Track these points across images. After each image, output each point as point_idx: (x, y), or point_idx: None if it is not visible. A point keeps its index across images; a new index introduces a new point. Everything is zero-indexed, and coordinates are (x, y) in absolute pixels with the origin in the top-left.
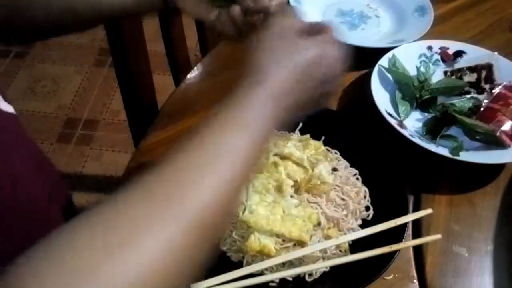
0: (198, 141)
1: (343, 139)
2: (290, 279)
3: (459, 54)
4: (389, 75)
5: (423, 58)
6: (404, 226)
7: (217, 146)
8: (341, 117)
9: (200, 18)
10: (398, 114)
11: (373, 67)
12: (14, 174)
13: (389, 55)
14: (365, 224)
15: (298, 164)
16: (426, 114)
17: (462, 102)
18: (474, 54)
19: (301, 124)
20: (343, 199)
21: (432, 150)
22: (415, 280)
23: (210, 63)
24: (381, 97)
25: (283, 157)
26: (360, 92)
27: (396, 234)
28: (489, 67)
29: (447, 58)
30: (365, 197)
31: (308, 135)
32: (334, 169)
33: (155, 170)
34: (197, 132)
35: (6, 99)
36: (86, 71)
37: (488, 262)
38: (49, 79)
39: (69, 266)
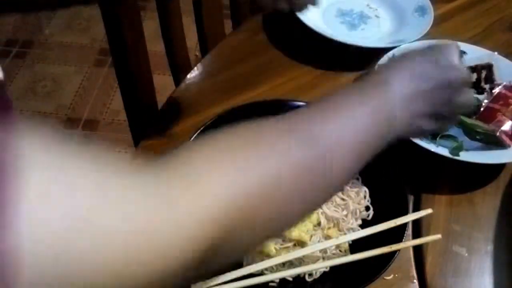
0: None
1: None
2: (290, 279)
3: None
4: None
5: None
6: (404, 226)
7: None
8: None
9: None
10: None
11: (373, 67)
12: None
13: (389, 55)
14: (365, 224)
15: None
16: None
17: None
18: (474, 54)
19: None
20: (343, 199)
21: (432, 150)
22: (415, 280)
23: (210, 63)
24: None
25: None
26: None
27: (396, 234)
28: (489, 67)
29: None
30: (365, 197)
31: None
32: None
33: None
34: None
35: None
36: (86, 71)
37: (488, 262)
38: (49, 79)
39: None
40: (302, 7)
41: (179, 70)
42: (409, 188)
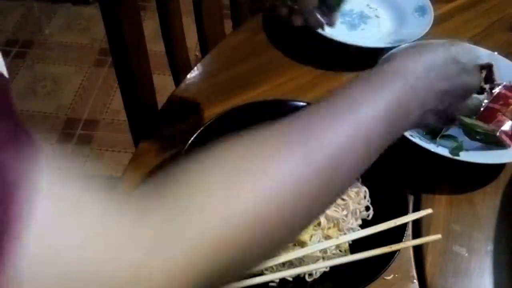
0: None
1: None
2: (290, 279)
3: None
4: None
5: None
6: (404, 226)
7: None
8: None
9: None
10: None
11: (373, 67)
12: None
13: (389, 55)
14: (365, 224)
15: None
16: None
17: None
18: None
19: None
20: (343, 199)
21: (432, 150)
22: (415, 280)
23: (210, 63)
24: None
25: None
26: None
27: (396, 234)
28: (489, 67)
29: None
30: (365, 197)
31: None
32: None
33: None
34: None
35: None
36: (86, 71)
37: (488, 262)
38: (49, 79)
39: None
40: (317, 26)
41: (179, 70)
42: (409, 188)
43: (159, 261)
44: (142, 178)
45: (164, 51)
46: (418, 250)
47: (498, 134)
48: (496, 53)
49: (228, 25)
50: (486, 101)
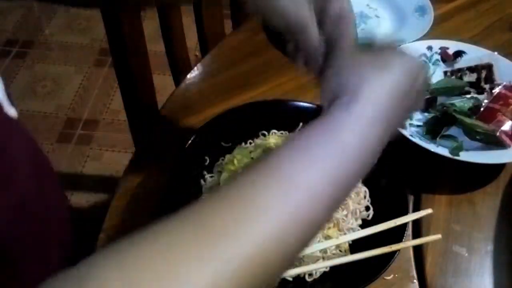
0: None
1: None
2: (290, 279)
3: (459, 54)
4: None
5: (423, 58)
6: (404, 226)
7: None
8: None
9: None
10: None
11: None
12: (19, 201)
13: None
14: (365, 224)
15: None
16: (426, 114)
17: (462, 102)
18: (474, 54)
19: (301, 124)
20: None
21: (432, 150)
22: (415, 280)
23: (210, 63)
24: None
25: None
26: None
27: (396, 234)
28: (489, 67)
29: (447, 58)
30: (365, 197)
31: None
32: None
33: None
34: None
35: (11, 102)
36: (86, 71)
37: (488, 262)
38: (49, 79)
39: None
40: (316, 71)
41: (179, 70)
42: (409, 188)
43: None
44: (142, 178)
45: (164, 51)
46: (418, 250)
47: (498, 134)
48: (496, 53)
49: (228, 25)
50: (486, 101)
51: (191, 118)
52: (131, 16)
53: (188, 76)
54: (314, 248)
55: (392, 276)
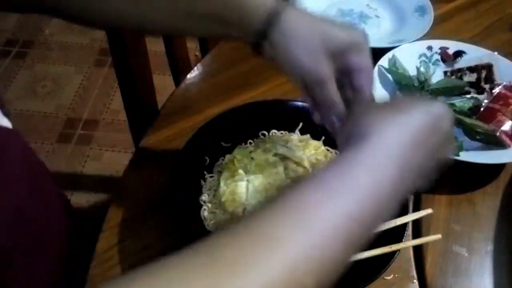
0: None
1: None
2: None
3: (459, 54)
4: (389, 75)
5: (423, 58)
6: (404, 226)
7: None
8: None
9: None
10: None
11: (373, 67)
12: (16, 204)
13: (389, 55)
14: None
15: (298, 164)
16: None
17: (462, 102)
18: (474, 54)
19: (301, 124)
20: None
21: None
22: (415, 280)
23: (210, 63)
24: (381, 98)
25: (283, 157)
26: None
27: (396, 234)
28: (489, 67)
29: (447, 58)
30: None
31: (308, 135)
32: None
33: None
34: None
35: (4, 113)
36: (86, 71)
37: (488, 262)
38: (49, 79)
39: None
40: (331, 130)
41: (179, 70)
42: None
43: None
44: (142, 178)
45: (164, 51)
46: (418, 250)
47: (498, 134)
48: (496, 53)
49: None
50: (486, 101)
51: (191, 118)
52: None
53: (188, 76)
54: None
55: (392, 276)
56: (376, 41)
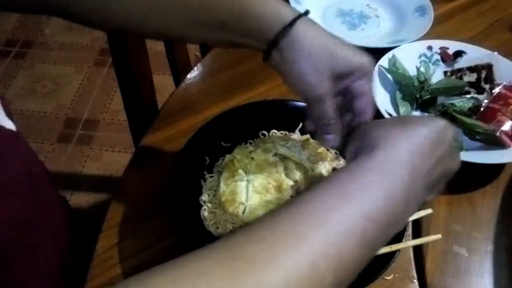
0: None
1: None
2: None
3: (459, 54)
4: (389, 76)
5: (423, 58)
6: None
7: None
8: None
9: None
10: (398, 114)
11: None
12: (19, 205)
13: (389, 55)
14: None
15: (298, 164)
16: (426, 114)
17: (462, 102)
18: (474, 54)
19: (301, 124)
20: None
21: None
22: (415, 280)
23: (210, 63)
24: (381, 98)
25: (283, 157)
26: None
27: (396, 234)
28: (489, 67)
29: (447, 58)
30: None
31: (308, 135)
32: (334, 169)
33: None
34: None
35: (7, 114)
36: (86, 71)
37: (488, 262)
38: (49, 79)
39: None
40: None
41: (179, 70)
42: None
43: None
44: (142, 178)
45: (164, 51)
46: (418, 250)
47: (498, 134)
48: (496, 53)
49: None
50: (486, 101)
51: (191, 118)
52: None
53: (188, 76)
54: None
55: (392, 276)
56: (376, 41)
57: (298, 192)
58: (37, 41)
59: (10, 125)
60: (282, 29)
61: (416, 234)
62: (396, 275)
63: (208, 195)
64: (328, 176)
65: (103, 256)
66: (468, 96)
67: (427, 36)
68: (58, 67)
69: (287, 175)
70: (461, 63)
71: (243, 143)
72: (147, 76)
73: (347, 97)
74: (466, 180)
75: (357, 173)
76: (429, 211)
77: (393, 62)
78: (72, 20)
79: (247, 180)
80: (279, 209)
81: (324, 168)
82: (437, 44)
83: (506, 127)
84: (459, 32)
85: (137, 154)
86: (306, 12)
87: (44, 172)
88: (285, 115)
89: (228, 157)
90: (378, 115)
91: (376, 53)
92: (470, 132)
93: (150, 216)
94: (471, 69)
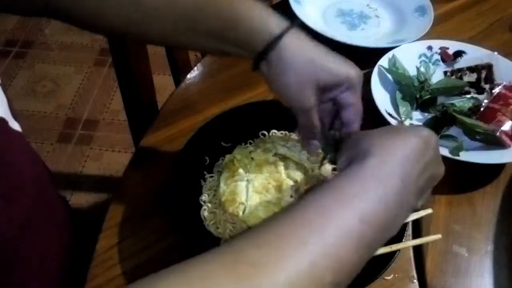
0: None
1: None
2: None
3: (459, 54)
4: (389, 76)
5: (423, 58)
6: (404, 226)
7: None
8: None
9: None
10: (398, 114)
11: (373, 67)
12: (27, 205)
13: (389, 55)
14: None
15: (298, 164)
16: (426, 114)
17: (462, 102)
18: (474, 54)
19: None
20: None
21: None
22: (415, 280)
23: (210, 63)
24: (381, 98)
25: (283, 157)
26: None
27: (396, 234)
28: (489, 67)
29: (447, 58)
30: None
31: None
32: (334, 169)
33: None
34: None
35: (14, 115)
36: (86, 71)
37: (488, 262)
38: (49, 79)
39: None
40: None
41: (179, 70)
42: None
43: None
44: (142, 178)
45: (164, 51)
46: (418, 250)
47: (498, 134)
48: (496, 53)
49: None
50: (486, 101)
51: (191, 118)
52: None
53: (188, 76)
54: None
55: (392, 276)
56: (376, 41)
57: (298, 192)
58: (37, 41)
59: (16, 126)
60: (270, 42)
61: (416, 234)
62: (396, 275)
63: (208, 195)
64: (325, 182)
65: (103, 256)
66: (468, 96)
67: (427, 36)
68: (58, 67)
69: (287, 175)
70: (461, 63)
71: (243, 143)
72: (147, 76)
73: (336, 106)
74: (466, 180)
75: (353, 179)
76: (429, 211)
77: (393, 62)
78: (70, 23)
79: (247, 180)
80: (280, 214)
81: (324, 168)
82: (437, 44)
83: (506, 127)
84: (459, 32)
85: (137, 154)
86: (296, 23)
87: (46, 172)
88: (285, 115)
89: (228, 157)
90: (377, 115)
91: (376, 53)
92: (470, 132)
93: (150, 216)
94: (471, 69)
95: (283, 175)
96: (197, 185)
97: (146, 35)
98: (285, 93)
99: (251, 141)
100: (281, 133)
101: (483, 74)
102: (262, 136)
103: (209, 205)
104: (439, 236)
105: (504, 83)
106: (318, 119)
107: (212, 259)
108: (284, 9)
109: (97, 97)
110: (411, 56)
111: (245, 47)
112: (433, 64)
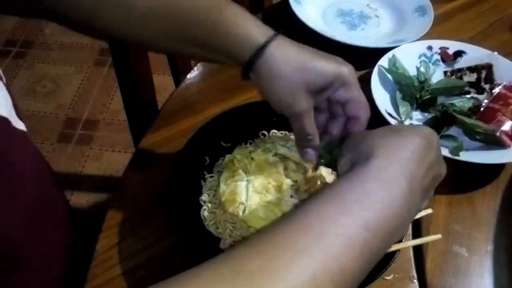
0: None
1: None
2: None
3: (459, 54)
4: (389, 75)
5: (423, 58)
6: None
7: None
8: None
9: (284, 110)
10: (398, 114)
11: (373, 67)
12: (29, 205)
13: (389, 55)
14: None
15: (298, 164)
16: (426, 114)
17: (462, 102)
18: (474, 54)
19: None
20: None
21: None
22: (415, 280)
23: (210, 63)
24: (381, 98)
25: (283, 157)
26: None
27: None
28: (489, 67)
29: (447, 58)
30: None
31: None
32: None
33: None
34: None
35: (18, 115)
36: (86, 71)
37: (488, 262)
38: (49, 79)
39: None
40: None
41: (179, 70)
42: None
43: None
44: (142, 178)
45: None
46: (418, 250)
47: (498, 134)
48: (496, 53)
49: None
50: (486, 101)
51: (191, 118)
52: None
53: (188, 76)
54: None
55: (392, 276)
56: (376, 41)
57: (298, 192)
58: (37, 41)
59: (21, 125)
60: (255, 52)
61: (416, 234)
62: (396, 275)
63: (208, 195)
64: (326, 187)
65: (103, 256)
66: (468, 96)
67: (427, 36)
68: (58, 67)
69: (287, 175)
70: (461, 63)
71: (243, 143)
72: (147, 76)
73: (335, 106)
74: (466, 180)
75: (355, 183)
76: (429, 211)
77: (393, 62)
78: (67, 25)
79: (247, 180)
80: (279, 222)
81: (324, 168)
82: (437, 44)
83: (506, 127)
84: (459, 32)
85: (137, 154)
86: (280, 31)
87: (49, 171)
88: (284, 116)
89: (228, 157)
90: (377, 115)
91: (376, 53)
92: (470, 132)
93: (150, 216)
94: (471, 69)
95: (283, 175)
96: (197, 185)
97: (140, 39)
98: (275, 100)
99: (251, 141)
100: (281, 133)
101: (483, 74)
102: (262, 136)
103: (209, 205)
104: (439, 236)
105: (504, 83)
106: (314, 127)
107: (210, 271)
108: (284, 9)
109: (97, 97)
110: (411, 56)
111: (231, 56)
112: (433, 64)
